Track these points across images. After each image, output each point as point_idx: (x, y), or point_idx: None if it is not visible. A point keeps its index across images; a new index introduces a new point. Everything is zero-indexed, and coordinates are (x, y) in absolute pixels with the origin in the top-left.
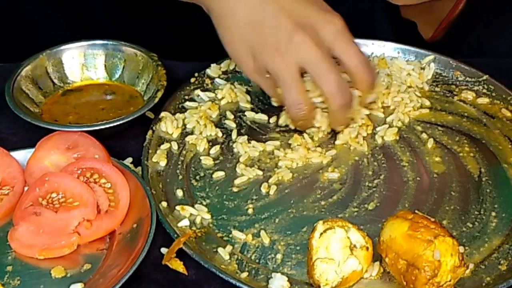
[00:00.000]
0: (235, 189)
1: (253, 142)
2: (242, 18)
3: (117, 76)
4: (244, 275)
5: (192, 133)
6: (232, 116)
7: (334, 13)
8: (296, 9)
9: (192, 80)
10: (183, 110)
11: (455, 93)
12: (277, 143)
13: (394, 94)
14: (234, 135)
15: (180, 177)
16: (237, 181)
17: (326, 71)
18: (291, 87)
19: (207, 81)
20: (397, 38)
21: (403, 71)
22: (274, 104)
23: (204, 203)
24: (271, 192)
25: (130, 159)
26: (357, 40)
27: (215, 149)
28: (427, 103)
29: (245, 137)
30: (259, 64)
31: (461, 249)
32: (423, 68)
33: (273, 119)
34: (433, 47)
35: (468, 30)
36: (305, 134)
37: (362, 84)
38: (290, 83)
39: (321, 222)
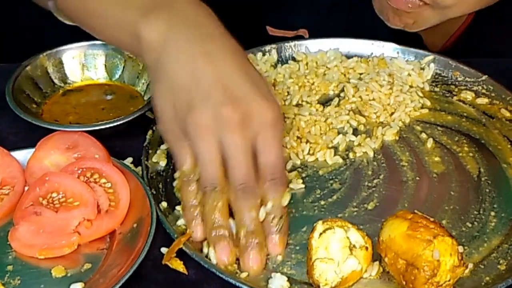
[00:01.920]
0: None
1: None
2: (178, 75)
3: (117, 76)
4: (244, 275)
5: None
6: None
7: (272, 101)
8: (234, 84)
9: None
10: None
11: (454, 93)
12: None
13: (397, 93)
14: None
15: None
16: None
17: (239, 164)
18: (208, 166)
19: None
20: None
21: (403, 71)
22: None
23: None
24: None
25: (130, 159)
26: (357, 40)
27: None
28: (428, 103)
29: None
30: (180, 127)
31: (461, 248)
32: (422, 68)
33: None
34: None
35: (476, 42)
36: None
37: (264, 185)
38: (208, 161)
39: (320, 222)
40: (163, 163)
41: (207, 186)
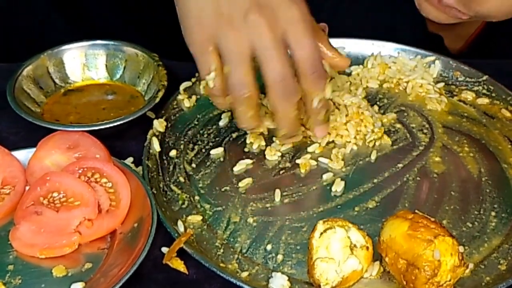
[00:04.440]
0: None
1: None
2: None
3: (118, 76)
4: (245, 274)
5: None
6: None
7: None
8: None
9: (193, 80)
10: (182, 111)
11: (455, 93)
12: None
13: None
14: (234, 135)
15: (181, 177)
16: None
17: (273, 59)
18: (238, 66)
19: None
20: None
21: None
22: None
23: (206, 202)
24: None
25: (131, 159)
26: (357, 40)
27: (217, 150)
28: (445, 100)
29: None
30: (208, 36)
31: (461, 248)
32: (429, 67)
33: None
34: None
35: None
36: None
37: (306, 81)
38: (238, 62)
39: (321, 221)
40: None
41: (236, 91)
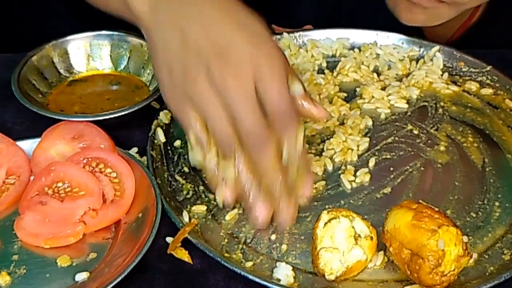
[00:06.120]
0: None
1: None
2: (167, 40)
3: (122, 66)
4: (249, 264)
5: None
6: None
7: (265, 43)
8: (222, 35)
9: None
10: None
11: (459, 83)
12: None
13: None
14: None
15: (185, 167)
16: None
17: (241, 111)
18: (217, 124)
19: None
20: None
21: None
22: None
23: (210, 192)
24: None
25: (135, 149)
26: (361, 30)
27: None
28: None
29: None
30: (180, 92)
31: (465, 238)
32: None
33: None
34: None
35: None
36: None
37: (275, 127)
38: (216, 121)
39: (325, 211)
40: None
41: (224, 147)
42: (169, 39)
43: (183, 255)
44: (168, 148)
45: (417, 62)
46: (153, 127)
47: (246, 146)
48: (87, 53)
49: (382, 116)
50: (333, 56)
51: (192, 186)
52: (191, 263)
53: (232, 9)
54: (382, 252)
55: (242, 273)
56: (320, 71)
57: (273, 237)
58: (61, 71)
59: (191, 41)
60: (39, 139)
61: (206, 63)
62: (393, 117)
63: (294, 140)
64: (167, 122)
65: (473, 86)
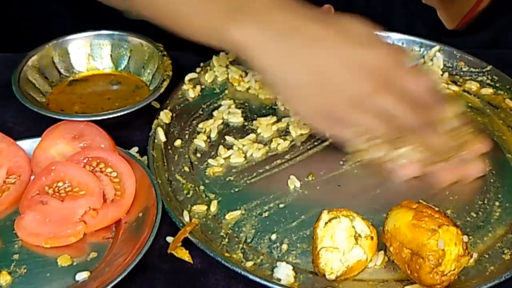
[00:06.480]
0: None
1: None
2: (298, 72)
3: (123, 66)
4: (249, 264)
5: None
6: (238, 109)
7: (379, 47)
8: (352, 58)
9: (198, 70)
10: (187, 101)
11: (459, 83)
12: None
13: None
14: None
15: (186, 167)
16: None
17: (400, 113)
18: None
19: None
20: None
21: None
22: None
23: (211, 192)
24: None
25: (136, 149)
26: None
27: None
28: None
29: (252, 135)
30: (326, 115)
31: (465, 238)
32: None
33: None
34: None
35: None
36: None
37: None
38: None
39: (326, 211)
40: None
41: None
42: (297, 71)
43: (184, 254)
44: (169, 147)
45: None
46: (153, 126)
47: (421, 137)
48: (87, 53)
49: None
50: None
51: (193, 185)
52: (192, 262)
53: (338, 26)
54: (382, 252)
55: (243, 272)
56: None
57: (273, 236)
58: (62, 70)
59: (325, 71)
60: (39, 139)
61: (347, 86)
62: None
63: (448, 111)
64: (167, 121)
65: (473, 86)
